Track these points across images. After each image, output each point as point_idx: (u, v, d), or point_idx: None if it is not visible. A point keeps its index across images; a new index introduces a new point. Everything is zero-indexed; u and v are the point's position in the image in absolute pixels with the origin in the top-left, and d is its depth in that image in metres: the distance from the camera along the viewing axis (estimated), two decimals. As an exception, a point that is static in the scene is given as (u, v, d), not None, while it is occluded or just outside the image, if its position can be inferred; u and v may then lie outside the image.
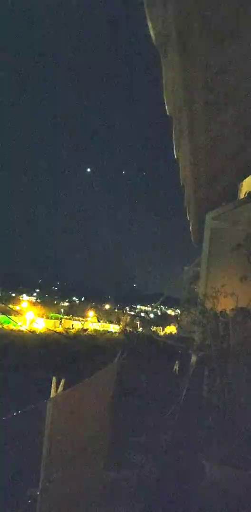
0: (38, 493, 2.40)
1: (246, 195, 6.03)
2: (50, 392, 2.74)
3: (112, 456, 4.38)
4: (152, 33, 2.37)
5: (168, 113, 3.17)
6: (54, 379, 2.78)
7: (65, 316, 49.05)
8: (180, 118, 3.45)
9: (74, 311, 56.86)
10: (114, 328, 39.40)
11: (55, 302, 71.68)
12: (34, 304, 54.46)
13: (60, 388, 2.77)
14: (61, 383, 2.79)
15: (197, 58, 2.83)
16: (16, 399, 6.70)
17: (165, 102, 3.02)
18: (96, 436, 3.38)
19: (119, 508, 3.74)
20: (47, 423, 2.38)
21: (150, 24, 2.32)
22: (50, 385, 2.77)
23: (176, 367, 8.53)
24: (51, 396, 2.65)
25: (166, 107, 3.07)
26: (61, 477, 2.57)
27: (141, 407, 7.15)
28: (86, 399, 3.07)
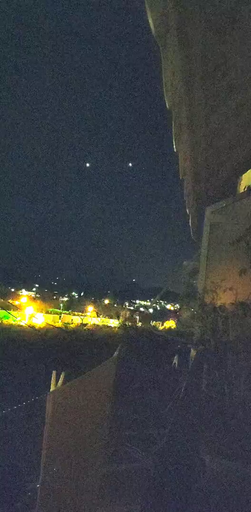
0: (38, 486, 2.41)
1: (245, 189, 6.01)
2: (50, 386, 2.74)
3: (111, 450, 4.40)
4: (151, 24, 2.34)
5: (167, 106, 3.14)
6: (54, 373, 2.78)
7: (65, 311, 49.04)
8: (180, 111, 3.43)
9: (74, 306, 56.86)
10: (113, 323, 39.41)
11: (54, 297, 71.73)
12: (33, 299, 54.41)
13: (60, 381, 2.77)
14: (61, 377, 2.79)
15: (196, 50, 2.80)
16: (16, 393, 6.71)
17: (165, 95, 2.99)
18: (96, 429, 3.39)
19: (119, 502, 3.77)
20: (47, 417, 2.38)
21: (149, 15, 2.29)
22: (50, 379, 2.78)
23: (175, 361, 8.57)
24: (51, 389, 2.66)
25: (166, 99, 3.04)
26: (61, 470, 2.58)
27: (140, 401, 7.17)
28: (86, 392, 3.07)
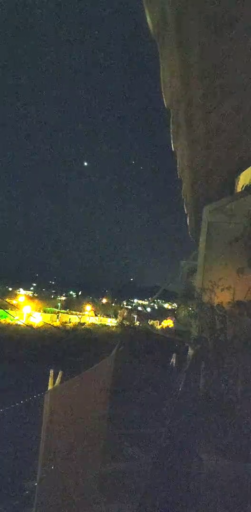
0: (35, 484, 2.41)
1: (243, 188, 6.02)
2: (47, 385, 2.74)
3: (109, 449, 4.40)
4: (149, 23, 2.34)
5: (165, 105, 3.14)
6: (51, 372, 2.78)
7: (63, 310, 48.97)
8: (178, 110, 3.43)
9: (72, 305, 56.75)
10: (111, 322, 39.47)
11: (52, 296, 71.54)
12: (31, 298, 54.25)
13: (58, 380, 2.76)
14: (59, 376, 2.78)
15: (195, 48, 2.80)
16: (14, 392, 6.70)
17: (163, 94, 3.00)
18: (93, 428, 3.40)
19: (117, 500, 3.77)
20: (45, 415, 2.38)
21: (148, 14, 2.29)
22: (48, 378, 2.77)
23: (173, 360, 8.57)
24: (48, 388, 2.65)
25: (164, 99, 3.04)
26: (58, 468, 2.58)
27: (138, 400, 7.18)
28: (83, 391, 3.07)
